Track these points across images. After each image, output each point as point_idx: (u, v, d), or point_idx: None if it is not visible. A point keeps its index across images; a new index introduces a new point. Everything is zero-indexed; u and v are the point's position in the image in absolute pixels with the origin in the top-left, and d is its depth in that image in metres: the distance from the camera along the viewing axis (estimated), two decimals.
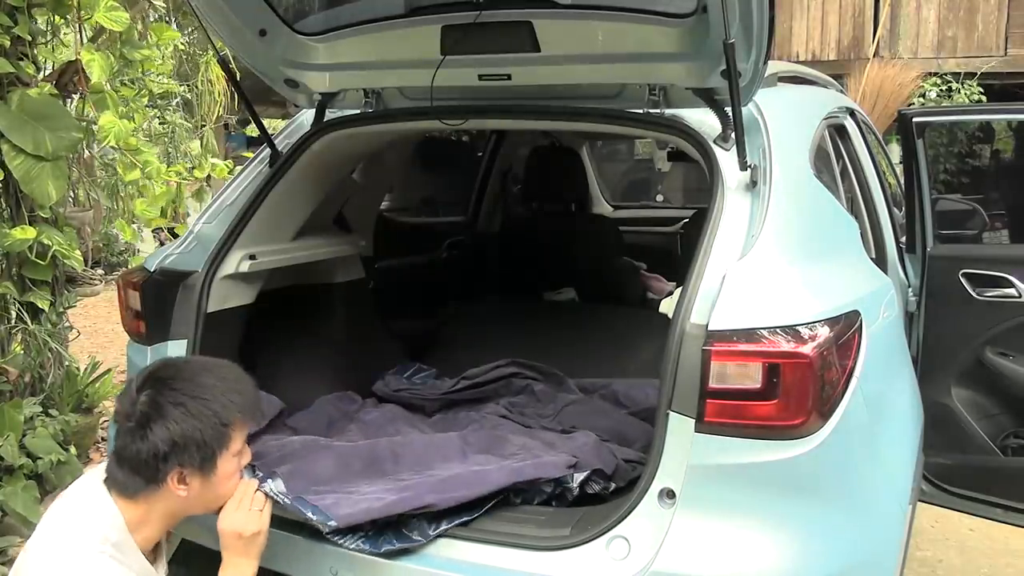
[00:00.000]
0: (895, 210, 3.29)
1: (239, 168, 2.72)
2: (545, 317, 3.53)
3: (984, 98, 8.43)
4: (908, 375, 2.60)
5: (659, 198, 6.32)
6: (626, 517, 1.80)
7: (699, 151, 2.10)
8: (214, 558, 1.96)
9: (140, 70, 3.57)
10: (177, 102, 5.02)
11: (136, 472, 1.70)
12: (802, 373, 1.69)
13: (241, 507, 1.82)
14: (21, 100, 2.96)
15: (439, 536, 1.90)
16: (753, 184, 1.97)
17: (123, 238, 3.48)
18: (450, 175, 4.53)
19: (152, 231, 5.91)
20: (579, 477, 2.08)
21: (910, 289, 3.10)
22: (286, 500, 1.89)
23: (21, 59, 3.11)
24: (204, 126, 4.43)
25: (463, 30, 2.13)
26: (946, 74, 8.76)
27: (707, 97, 2.11)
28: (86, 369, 4.07)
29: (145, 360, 2.29)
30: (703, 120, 2.14)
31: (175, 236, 3.25)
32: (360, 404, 2.74)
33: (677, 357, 1.75)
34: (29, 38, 3.12)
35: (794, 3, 9.43)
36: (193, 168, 4.18)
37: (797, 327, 1.72)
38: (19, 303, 3.19)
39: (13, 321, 3.21)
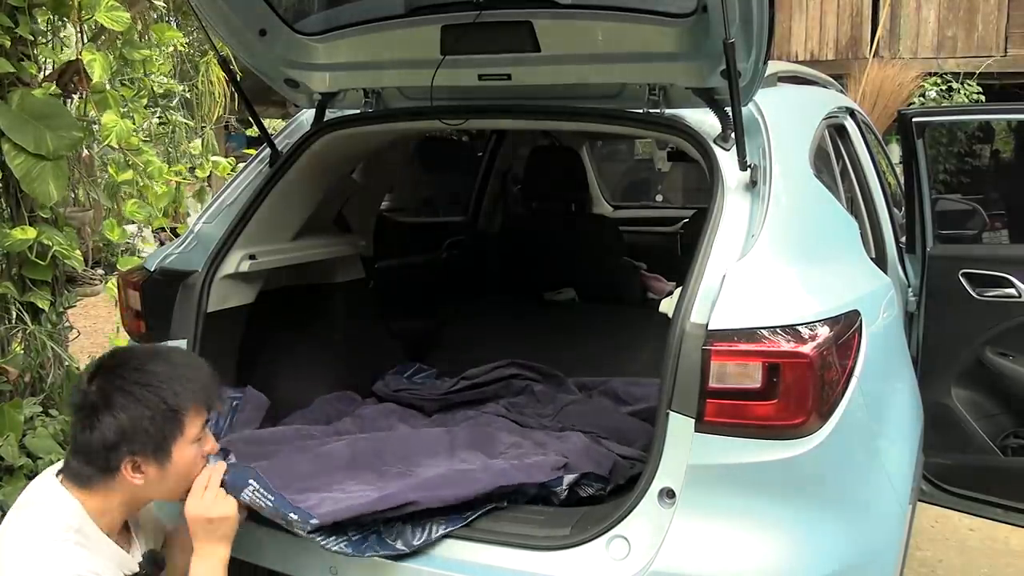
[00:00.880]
0: (895, 210, 3.29)
1: (239, 168, 2.72)
2: (545, 317, 3.53)
3: (983, 98, 8.43)
4: (908, 375, 2.60)
5: (659, 198, 6.32)
6: (626, 517, 1.80)
7: (699, 151, 2.10)
8: None
9: (140, 70, 3.57)
10: (178, 102, 5.02)
11: (89, 462, 1.69)
12: (802, 373, 1.69)
13: (208, 492, 1.79)
14: (22, 100, 2.96)
15: (423, 547, 1.87)
16: (753, 184, 1.98)
17: (111, 238, 3.46)
18: (450, 175, 4.53)
19: (153, 231, 5.91)
20: (569, 479, 2.07)
21: (910, 289, 3.10)
22: (267, 500, 1.84)
23: (22, 59, 3.11)
24: (204, 126, 4.42)
25: (463, 30, 2.13)
26: (946, 74, 8.75)
27: (707, 97, 2.11)
28: (86, 369, 4.06)
29: None
30: (703, 120, 2.14)
31: (176, 236, 3.25)
32: (359, 404, 2.74)
33: (677, 357, 1.75)
34: (31, 38, 3.12)
35: (793, 3, 9.43)
36: (194, 168, 4.19)
37: (797, 327, 1.72)
38: (19, 303, 3.19)
39: (13, 321, 3.21)
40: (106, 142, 3.33)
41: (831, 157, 2.67)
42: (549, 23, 2.12)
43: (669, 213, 5.37)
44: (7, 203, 3.21)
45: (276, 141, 2.56)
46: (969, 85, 8.58)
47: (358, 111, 2.49)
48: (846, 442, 1.81)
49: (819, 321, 1.75)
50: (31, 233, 3.03)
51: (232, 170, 4.15)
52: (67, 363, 3.47)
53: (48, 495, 1.72)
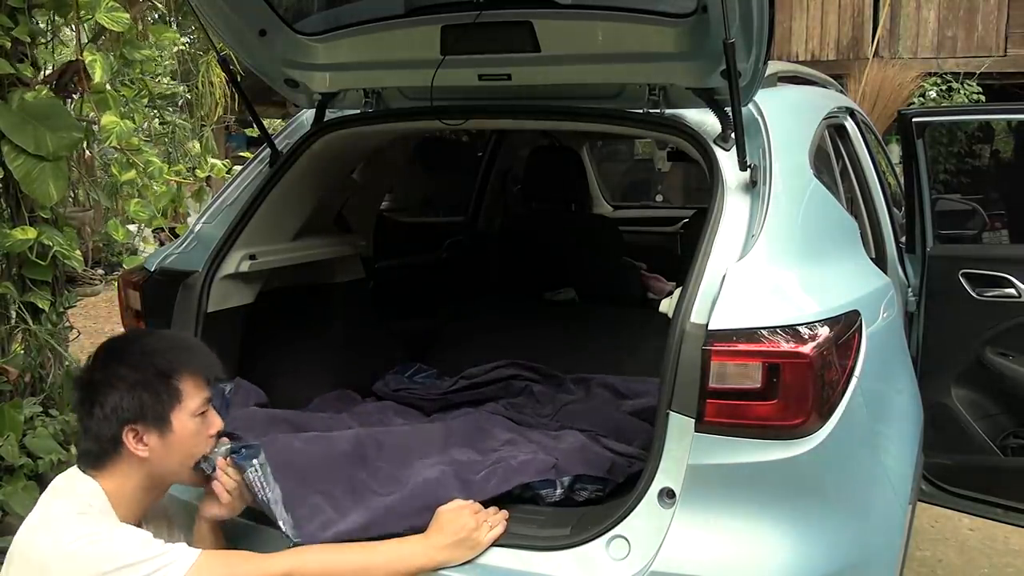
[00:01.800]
0: (895, 210, 3.29)
1: (239, 168, 2.72)
2: (545, 317, 3.53)
3: (983, 98, 8.43)
4: (908, 375, 2.60)
5: (659, 198, 6.32)
6: (626, 517, 1.80)
7: (699, 151, 2.10)
8: None
9: (140, 70, 3.58)
10: (178, 103, 5.03)
11: (96, 440, 1.72)
12: (802, 373, 1.69)
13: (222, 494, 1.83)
14: (22, 100, 2.96)
15: None
16: (753, 184, 1.98)
17: (116, 238, 3.47)
18: (450, 175, 4.53)
19: (152, 231, 5.91)
20: (561, 486, 2.05)
21: (910, 289, 3.10)
22: (265, 490, 1.85)
23: (22, 60, 3.11)
24: (204, 126, 4.43)
25: (463, 30, 2.13)
26: (946, 74, 8.75)
27: (707, 97, 2.11)
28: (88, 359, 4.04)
29: None
30: (703, 120, 2.14)
31: (175, 236, 3.25)
32: (358, 403, 2.73)
33: (677, 357, 1.75)
34: (29, 39, 3.12)
35: (794, 3, 9.43)
36: (194, 168, 4.19)
37: (797, 327, 1.72)
38: (19, 303, 3.19)
39: (13, 321, 3.21)
40: (106, 143, 3.34)
41: (831, 157, 2.66)
42: (549, 23, 2.12)
43: (669, 213, 5.37)
44: (7, 203, 3.22)
45: (276, 141, 2.56)
46: (969, 85, 8.58)
47: (358, 111, 2.49)
48: (846, 442, 1.81)
49: (819, 321, 1.75)
50: (31, 233, 3.03)
51: (229, 172, 4.15)
52: (67, 363, 3.47)
53: (69, 479, 1.76)
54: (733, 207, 1.96)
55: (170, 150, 4.53)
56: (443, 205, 4.64)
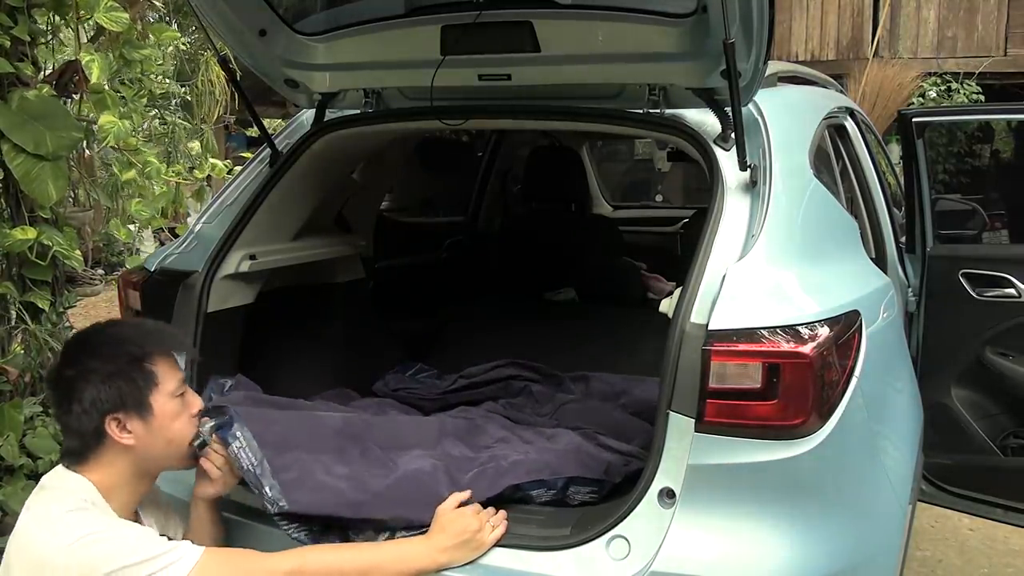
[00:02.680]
0: (895, 210, 3.29)
1: (239, 168, 2.72)
2: (545, 317, 3.53)
3: (983, 98, 8.43)
4: (908, 375, 2.60)
5: (659, 198, 6.32)
6: (626, 517, 1.80)
7: (699, 151, 2.10)
8: None
9: (139, 70, 3.58)
10: (177, 102, 5.02)
11: (79, 434, 1.72)
12: (802, 373, 1.69)
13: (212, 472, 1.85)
14: (21, 100, 2.96)
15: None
16: (753, 184, 1.98)
17: (119, 238, 3.48)
18: (450, 175, 4.53)
19: (152, 231, 5.92)
20: (557, 484, 2.04)
21: (910, 289, 3.10)
22: (251, 461, 1.83)
23: (21, 59, 3.11)
24: (205, 126, 4.43)
25: (463, 30, 2.13)
26: (946, 74, 8.75)
27: (707, 97, 2.11)
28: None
29: None
30: (703, 120, 2.14)
31: (175, 236, 3.25)
32: (357, 399, 2.72)
33: (677, 357, 1.75)
34: (29, 38, 3.12)
35: (793, 3, 9.43)
36: (193, 168, 4.19)
37: (797, 327, 1.72)
38: (19, 303, 3.19)
39: (13, 321, 3.21)
40: (105, 143, 3.33)
41: (831, 157, 2.66)
42: (549, 23, 2.12)
43: (669, 213, 5.37)
44: (7, 203, 3.21)
45: (276, 141, 2.56)
46: (969, 85, 8.58)
47: (358, 111, 2.49)
48: (846, 442, 1.81)
49: (819, 321, 1.75)
50: (31, 233, 3.03)
51: (229, 172, 4.15)
52: None
53: (58, 477, 1.75)
54: (733, 207, 1.96)
55: (170, 150, 4.53)
56: (443, 205, 4.64)
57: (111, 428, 1.71)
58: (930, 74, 8.76)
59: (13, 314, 3.21)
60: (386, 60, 2.37)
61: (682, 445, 1.75)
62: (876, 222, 2.95)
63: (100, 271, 8.48)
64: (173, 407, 1.78)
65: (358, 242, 3.06)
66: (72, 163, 3.37)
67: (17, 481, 3.02)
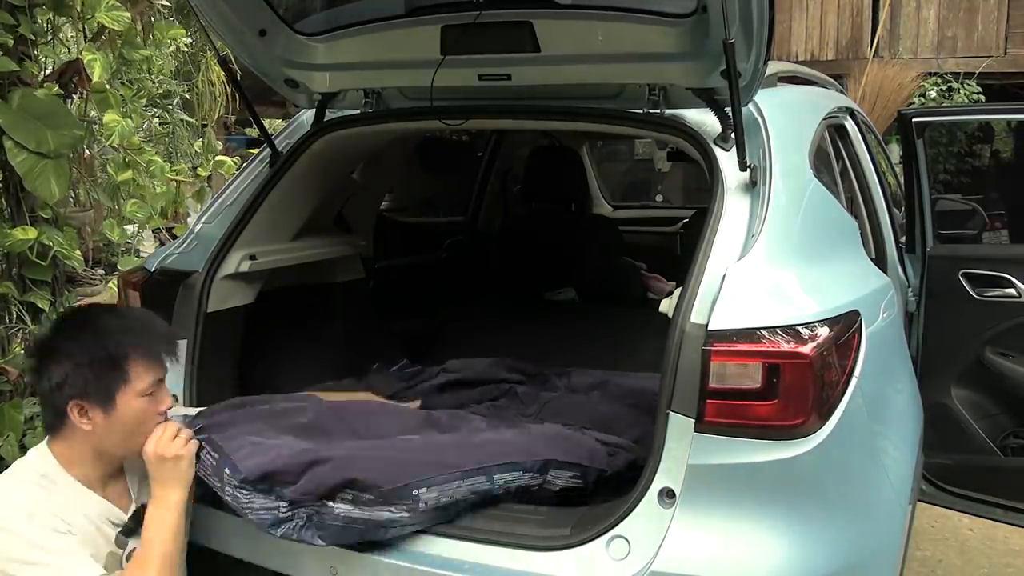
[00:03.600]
0: (895, 210, 3.29)
1: (239, 168, 2.72)
2: (545, 317, 3.53)
3: (983, 98, 8.43)
4: (908, 375, 2.60)
5: (659, 198, 6.32)
6: (626, 517, 1.80)
7: (699, 151, 2.10)
8: (216, 557, 1.96)
9: (139, 70, 3.58)
10: (177, 102, 5.02)
11: (45, 407, 1.82)
12: (802, 373, 1.69)
13: (165, 434, 1.86)
14: (22, 99, 2.96)
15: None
16: (753, 184, 1.98)
17: (111, 238, 3.47)
18: (450, 175, 4.53)
19: (152, 231, 5.91)
20: (533, 466, 2.00)
21: (910, 289, 3.10)
22: (211, 455, 1.86)
23: (23, 58, 3.11)
24: (205, 126, 4.43)
25: (463, 30, 2.13)
26: (946, 74, 8.75)
27: (707, 97, 2.11)
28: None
29: None
30: (703, 120, 2.15)
31: (174, 237, 3.25)
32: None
33: (677, 357, 1.75)
34: (31, 37, 3.12)
35: (793, 3, 9.43)
36: (195, 168, 4.19)
37: (797, 327, 1.72)
38: (19, 303, 3.18)
39: (13, 321, 3.21)
40: (108, 142, 3.33)
41: (831, 157, 2.67)
42: (549, 23, 2.12)
43: (669, 213, 5.37)
44: (8, 203, 3.21)
45: (276, 141, 2.56)
46: (969, 85, 8.58)
47: (358, 111, 2.49)
48: (846, 442, 1.81)
49: (819, 321, 1.75)
50: (31, 233, 3.02)
51: (236, 169, 4.15)
52: None
53: (34, 448, 1.87)
54: (733, 207, 1.96)
55: (170, 150, 4.53)
56: (443, 205, 4.64)
57: (72, 412, 1.78)
58: (930, 74, 8.75)
59: (13, 314, 3.21)
60: (386, 60, 2.37)
61: (682, 445, 1.75)
62: (876, 222, 2.95)
63: (100, 271, 8.46)
64: (139, 405, 1.83)
65: (358, 242, 3.06)
66: (72, 163, 3.36)
67: None
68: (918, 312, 3.12)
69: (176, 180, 3.74)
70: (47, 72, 3.34)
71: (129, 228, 3.92)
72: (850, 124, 3.02)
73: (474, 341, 3.21)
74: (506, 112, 2.45)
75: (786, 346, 1.70)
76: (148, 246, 6.37)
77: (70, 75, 3.27)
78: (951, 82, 8.70)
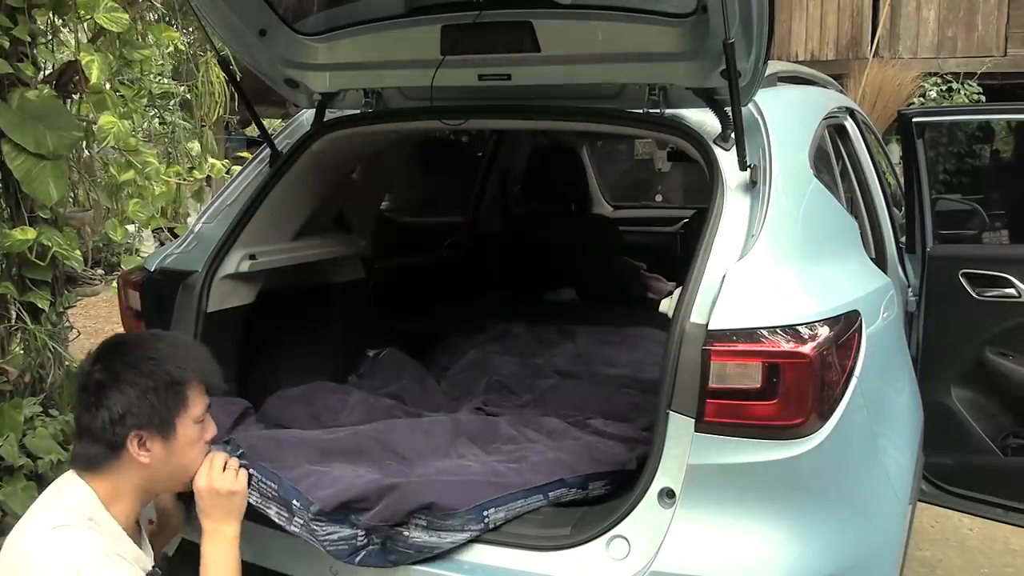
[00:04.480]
0: (895, 210, 3.29)
1: (239, 168, 2.72)
2: (545, 317, 3.53)
3: (983, 98, 8.43)
4: (908, 375, 2.60)
5: (659, 198, 6.31)
6: (626, 517, 1.80)
7: (699, 151, 2.10)
8: None
9: (139, 70, 3.57)
10: (177, 102, 5.02)
11: (96, 441, 1.69)
12: (802, 373, 1.69)
13: (215, 467, 1.81)
14: (21, 100, 2.96)
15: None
16: (753, 184, 1.98)
17: (114, 238, 3.47)
18: (450, 175, 4.53)
19: (152, 231, 5.91)
20: (573, 485, 2.04)
21: (910, 289, 3.10)
22: (270, 484, 1.84)
23: (21, 59, 3.11)
24: (204, 126, 4.42)
25: (463, 30, 2.13)
26: (946, 74, 8.75)
27: (707, 97, 2.11)
28: (89, 354, 4.03)
29: None
30: (703, 120, 2.14)
31: (175, 236, 3.25)
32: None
33: (677, 357, 1.75)
34: (29, 39, 3.12)
35: (793, 3, 9.43)
36: (193, 168, 4.19)
37: (797, 327, 1.72)
38: (19, 303, 3.19)
39: (13, 321, 3.21)
40: (105, 143, 3.33)
41: (831, 157, 2.66)
42: (549, 23, 2.12)
43: (669, 213, 5.37)
44: (7, 203, 3.21)
45: (276, 141, 2.56)
46: (969, 85, 8.58)
47: (358, 111, 2.49)
48: (846, 442, 1.81)
49: (819, 321, 1.75)
50: (31, 233, 3.03)
51: (228, 172, 4.15)
52: (67, 363, 3.47)
53: (61, 484, 1.74)
54: (733, 207, 1.96)
55: (170, 150, 4.53)
56: (443, 205, 4.64)
57: (132, 444, 1.69)
58: (930, 74, 8.76)
59: (13, 314, 3.21)
60: (386, 60, 2.37)
61: (682, 445, 1.75)
62: (876, 222, 2.95)
63: (100, 271, 8.47)
64: (195, 432, 1.77)
65: (358, 242, 3.06)
66: (72, 163, 3.36)
67: (17, 481, 3.02)
68: (918, 312, 3.11)
69: (176, 180, 3.73)
70: (46, 73, 3.34)
71: (130, 228, 3.91)
72: (850, 124, 3.02)
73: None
74: (506, 112, 2.45)
75: (786, 346, 1.69)
76: (148, 246, 6.37)
77: (69, 76, 3.27)
78: (951, 82, 8.70)
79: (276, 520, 1.85)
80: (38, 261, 3.13)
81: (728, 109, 2.02)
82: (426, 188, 4.48)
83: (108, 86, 3.32)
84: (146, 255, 3.04)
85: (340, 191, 2.90)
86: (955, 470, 3.07)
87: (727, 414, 1.71)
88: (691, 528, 1.76)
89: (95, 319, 7.30)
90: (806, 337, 1.71)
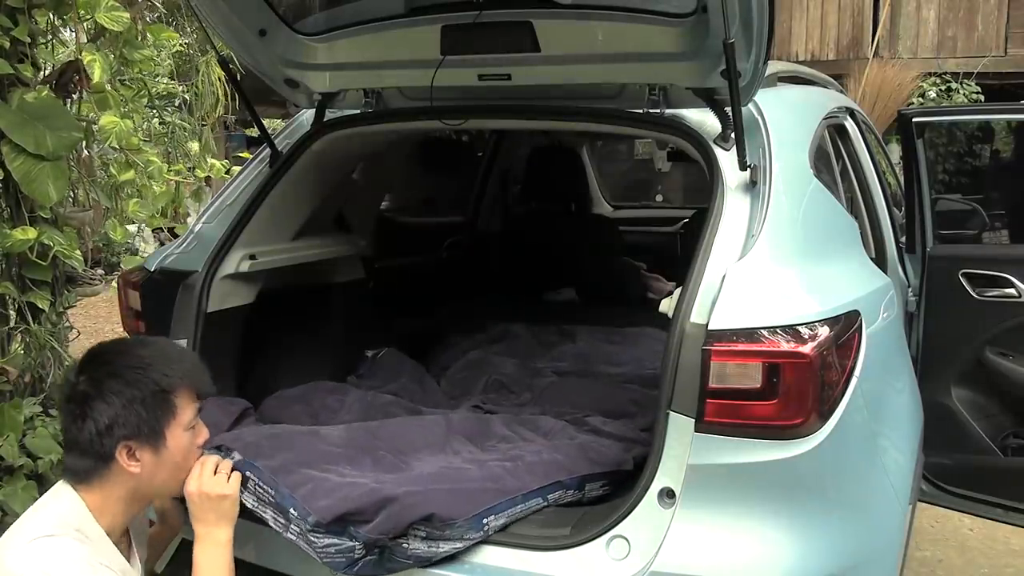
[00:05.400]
0: (895, 210, 3.29)
1: (239, 168, 2.72)
2: (544, 317, 3.53)
3: (983, 98, 8.42)
4: (908, 375, 2.60)
5: (659, 198, 6.31)
6: (626, 517, 1.80)
7: (699, 151, 2.10)
8: None
9: (139, 70, 3.57)
10: (177, 103, 5.03)
11: (85, 454, 1.67)
12: (802, 373, 1.69)
13: (205, 471, 1.78)
14: (21, 100, 2.96)
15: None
16: (753, 184, 1.98)
17: (114, 238, 3.47)
18: (450, 175, 4.54)
19: (152, 231, 5.91)
20: (571, 487, 2.03)
21: (910, 289, 3.10)
22: (267, 490, 1.82)
23: (21, 60, 3.11)
24: (204, 126, 4.43)
25: (463, 30, 2.13)
26: (946, 74, 8.75)
27: (707, 97, 2.11)
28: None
29: None
30: (703, 120, 2.15)
31: (175, 236, 3.24)
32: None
33: (677, 357, 1.75)
34: (29, 39, 3.11)
35: (793, 3, 9.43)
36: (193, 168, 4.19)
37: (797, 327, 1.72)
38: (19, 303, 3.18)
39: (13, 321, 3.21)
40: (107, 143, 3.33)
41: (831, 157, 2.66)
42: (549, 23, 2.12)
43: (669, 213, 5.37)
44: (7, 203, 3.21)
45: (276, 141, 2.56)
46: (969, 85, 8.58)
47: (358, 111, 2.49)
48: (846, 442, 1.81)
49: (819, 321, 1.75)
50: (31, 233, 3.02)
51: (228, 172, 4.16)
52: (67, 363, 3.46)
53: (51, 494, 1.72)
54: (733, 207, 1.96)
55: (170, 150, 4.53)
56: (443, 205, 4.64)
57: (121, 455, 1.67)
58: (930, 74, 8.75)
59: (13, 314, 3.20)
60: (386, 60, 2.37)
61: (682, 445, 1.75)
62: (876, 222, 2.95)
63: (100, 271, 8.46)
64: (185, 440, 1.75)
65: (358, 242, 3.06)
66: (72, 163, 3.36)
67: (17, 481, 3.02)
68: (918, 312, 3.12)
69: (176, 180, 3.74)
70: (47, 73, 3.34)
71: (130, 228, 3.92)
72: (850, 124, 3.02)
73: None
74: (506, 112, 2.45)
75: (786, 346, 1.69)
76: (148, 246, 6.37)
77: (69, 76, 3.27)
78: (951, 82, 8.70)
79: (272, 526, 1.84)
80: (38, 261, 3.13)
81: (728, 109, 2.02)
82: (426, 188, 4.48)
83: (108, 86, 3.32)
84: (146, 255, 3.03)
85: (340, 191, 2.90)
86: (955, 470, 3.07)
87: (727, 414, 1.71)
88: (691, 528, 1.76)
89: (95, 319, 7.30)
90: (806, 337, 1.71)
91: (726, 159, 2.04)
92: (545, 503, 1.98)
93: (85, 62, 3.18)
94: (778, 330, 1.71)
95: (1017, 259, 3.16)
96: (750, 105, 2.12)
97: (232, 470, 1.84)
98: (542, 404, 2.59)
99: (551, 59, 2.18)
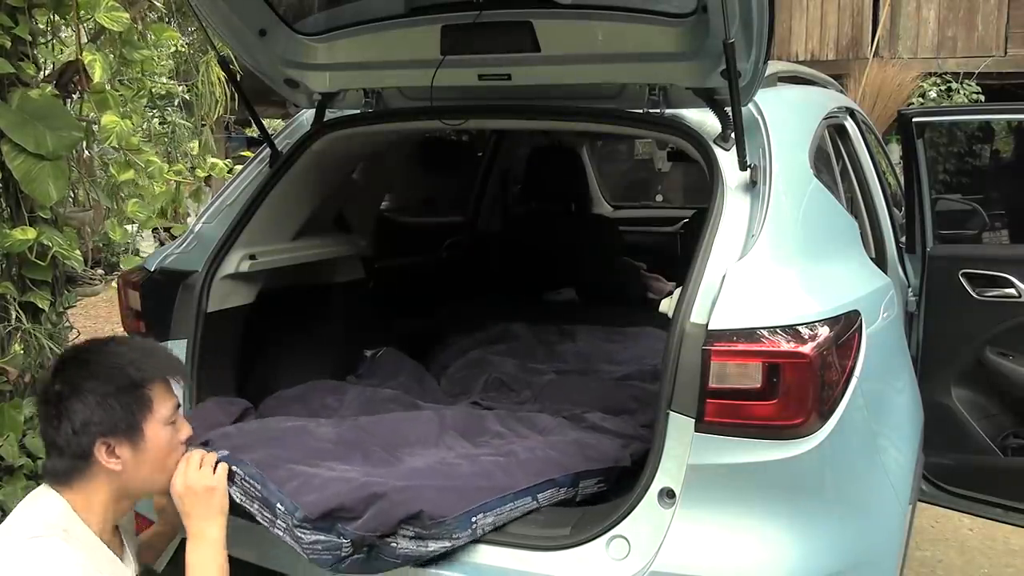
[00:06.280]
0: (895, 210, 3.29)
1: (239, 168, 2.72)
2: (544, 317, 3.53)
3: (983, 98, 8.43)
4: (908, 375, 2.60)
5: (659, 198, 6.32)
6: (626, 517, 1.80)
7: (699, 151, 2.10)
8: None
9: (139, 70, 3.57)
10: (177, 103, 5.03)
11: (63, 455, 1.65)
12: (802, 373, 1.69)
13: (191, 465, 1.77)
14: (21, 100, 2.96)
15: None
16: (753, 184, 1.98)
17: (114, 238, 3.47)
18: (450, 175, 4.54)
19: (152, 231, 5.91)
20: (564, 485, 2.02)
21: (910, 289, 3.10)
22: (255, 485, 1.81)
23: (22, 59, 3.11)
24: (204, 126, 4.43)
25: (463, 30, 2.13)
26: (946, 74, 8.75)
27: (707, 97, 2.11)
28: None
29: None
30: (703, 120, 2.15)
31: (173, 237, 3.24)
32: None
33: (677, 357, 1.75)
34: (29, 39, 3.12)
35: (793, 3, 9.43)
36: (194, 168, 4.19)
37: (797, 327, 1.72)
38: (19, 303, 3.18)
39: (13, 321, 3.21)
40: (107, 143, 3.33)
41: (831, 157, 2.67)
42: (549, 23, 2.12)
43: (669, 213, 5.38)
44: (7, 203, 3.21)
45: (276, 141, 2.56)
46: (969, 85, 8.58)
47: (358, 111, 2.49)
48: (846, 442, 1.81)
49: (819, 321, 1.75)
50: (31, 233, 3.02)
51: (229, 172, 4.16)
52: None
53: (34, 497, 1.70)
54: (733, 207, 1.96)
55: (170, 150, 4.53)
56: (443, 205, 4.64)
57: (100, 452, 1.65)
58: (930, 74, 8.76)
59: (13, 314, 3.20)
60: (386, 60, 2.37)
61: (682, 445, 1.75)
62: (876, 222, 2.95)
63: (100, 271, 8.47)
64: (165, 435, 1.73)
65: (358, 242, 3.06)
66: (72, 163, 3.36)
67: (17, 481, 3.02)
68: (918, 312, 3.12)
69: (175, 180, 3.74)
70: (47, 73, 3.34)
71: (130, 228, 3.91)
72: (850, 124, 3.02)
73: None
74: (506, 112, 2.45)
75: (786, 346, 1.69)
76: (147, 246, 6.37)
77: (70, 75, 3.27)
78: (951, 82, 8.70)
79: (259, 520, 1.82)
80: (38, 261, 3.13)
81: (728, 109, 2.02)
82: (426, 188, 4.48)
83: (108, 86, 3.32)
84: (146, 255, 3.03)
85: (340, 191, 2.90)
86: (955, 470, 3.07)
87: (727, 414, 1.71)
88: (691, 528, 1.76)
89: (95, 319, 7.30)
90: (806, 337, 1.71)
91: (726, 159, 2.04)
92: (536, 503, 1.96)
93: (85, 62, 3.18)
94: (778, 330, 1.71)
95: (1017, 259, 3.16)
96: (750, 105, 2.12)
97: (217, 463, 1.82)
98: (542, 401, 2.59)
99: (551, 59, 2.18)
